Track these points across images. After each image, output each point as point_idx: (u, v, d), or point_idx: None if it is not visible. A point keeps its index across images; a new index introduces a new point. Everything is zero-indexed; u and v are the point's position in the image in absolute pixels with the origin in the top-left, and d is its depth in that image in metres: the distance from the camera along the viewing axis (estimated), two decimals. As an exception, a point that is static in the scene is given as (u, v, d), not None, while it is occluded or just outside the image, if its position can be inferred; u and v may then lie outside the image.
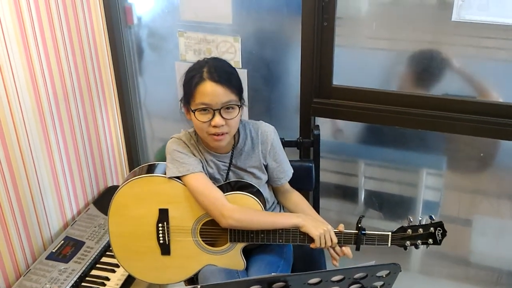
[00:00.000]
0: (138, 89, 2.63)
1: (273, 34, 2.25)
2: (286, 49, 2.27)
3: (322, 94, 2.18)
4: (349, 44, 2.17)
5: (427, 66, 2.04)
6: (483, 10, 1.83)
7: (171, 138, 1.80)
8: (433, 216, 1.67)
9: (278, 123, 2.38)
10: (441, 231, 1.66)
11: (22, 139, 2.03)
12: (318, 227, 1.68)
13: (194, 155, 1.76)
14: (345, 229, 1.71)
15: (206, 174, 1.76)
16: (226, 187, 1.79)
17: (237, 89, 1.67)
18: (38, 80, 2.08)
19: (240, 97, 1.69)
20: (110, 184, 2.67)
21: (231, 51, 2.27)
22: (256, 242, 1.75)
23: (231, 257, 1.78)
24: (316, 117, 2.25)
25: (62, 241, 2.19)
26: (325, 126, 2.28)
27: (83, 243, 2.19)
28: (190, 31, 2.31)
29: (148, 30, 2.48)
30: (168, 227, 1.77)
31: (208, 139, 1.70)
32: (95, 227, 2.29)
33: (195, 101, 1.64)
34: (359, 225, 1.69)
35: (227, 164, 1.79)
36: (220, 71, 1.64)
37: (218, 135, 1.66)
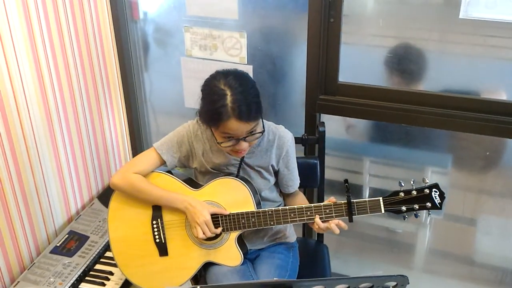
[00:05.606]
0: (144, 85, 2.63)
1: (279, 30, 2.24)
2: (292, 45, 2.27)
3: (328, 91, 2.17)
4: (355, 41, 2.17)
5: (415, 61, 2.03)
6: (491, 8, 1.82)
7: (188, 122, 1.81)
8: (426, 178, 1.57)
9: (283, 119, 2.38)
10: (438, 193, 1.57)
11: (28, 134, 2.03)
12: (193, 220, 1.72)
13: (198, 145, 1.78)
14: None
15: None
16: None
17: (259, 114, 1.64)
18: (44, 75, 2.08)
19: (262, 117, 1.67)
20: (114, 179, 2.67)
21: (237, 47, 2.26)
22: (248, 229, 1.76)
23: (227, 250, 1.79)
24: (321, 114, 2.25)
25: (67, 235, 2.20)
26: (331, 123, 2.28)
27: (87, 237, 2.20)
28: (196, 27, 2.31)
29: (154, 25, 2.47)
30: (162, 223, 1.79)
31: (227, 150, 1.71)
32: (99, 221, 2.29)
33: (218, 129, 1.63)
34: (347, 189, 1.64)
35: (239, 159, 1.79)
36: (244, 105, 1.57)
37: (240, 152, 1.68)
